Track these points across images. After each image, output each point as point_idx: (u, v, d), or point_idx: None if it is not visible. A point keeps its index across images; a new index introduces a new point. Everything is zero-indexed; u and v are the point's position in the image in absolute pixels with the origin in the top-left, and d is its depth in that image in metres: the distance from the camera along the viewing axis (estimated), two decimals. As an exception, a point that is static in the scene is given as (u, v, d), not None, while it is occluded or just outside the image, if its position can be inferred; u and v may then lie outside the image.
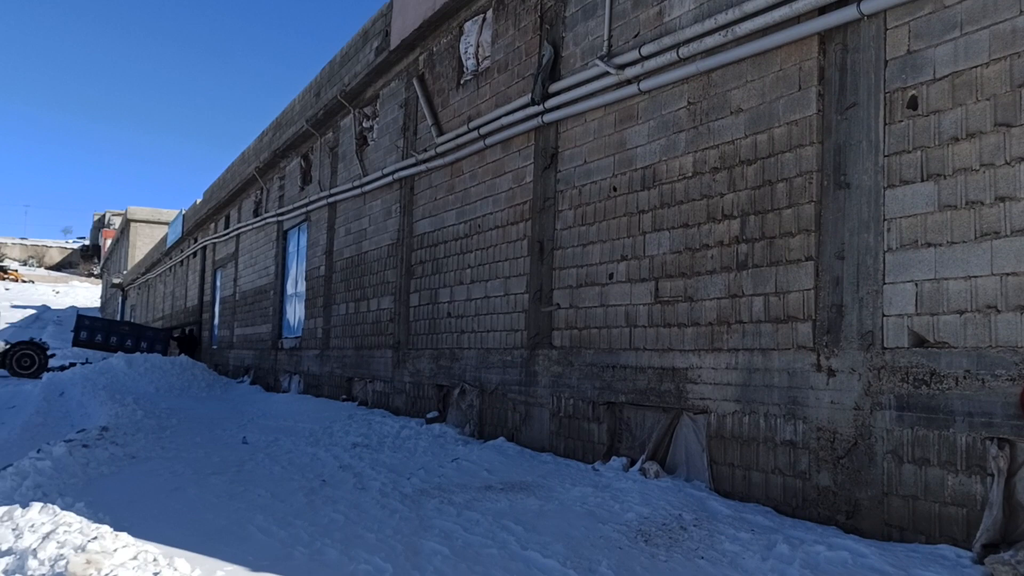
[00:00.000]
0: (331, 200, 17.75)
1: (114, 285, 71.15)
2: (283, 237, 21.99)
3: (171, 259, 41.73)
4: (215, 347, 29.72)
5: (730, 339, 7.10)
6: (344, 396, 16.19)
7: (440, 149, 12.70)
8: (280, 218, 21.86)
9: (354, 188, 16.33)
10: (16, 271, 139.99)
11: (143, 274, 53.59)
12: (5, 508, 5.73)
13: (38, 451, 8.53)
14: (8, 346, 30.81)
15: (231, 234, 27.81)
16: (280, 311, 21.93)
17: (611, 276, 8.75)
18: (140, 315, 52.87)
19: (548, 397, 9.68)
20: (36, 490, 6.71)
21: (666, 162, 8.05)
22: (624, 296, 8.52)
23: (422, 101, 13.41)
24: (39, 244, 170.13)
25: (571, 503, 7.29)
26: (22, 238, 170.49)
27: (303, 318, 19.61)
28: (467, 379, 11.60)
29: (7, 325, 42.99)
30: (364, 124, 16.41)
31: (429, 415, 12.33)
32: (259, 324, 23.74)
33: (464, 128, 11.91)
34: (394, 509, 7.29)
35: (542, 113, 10.03)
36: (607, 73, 8.76)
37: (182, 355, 24.12)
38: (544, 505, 7.26)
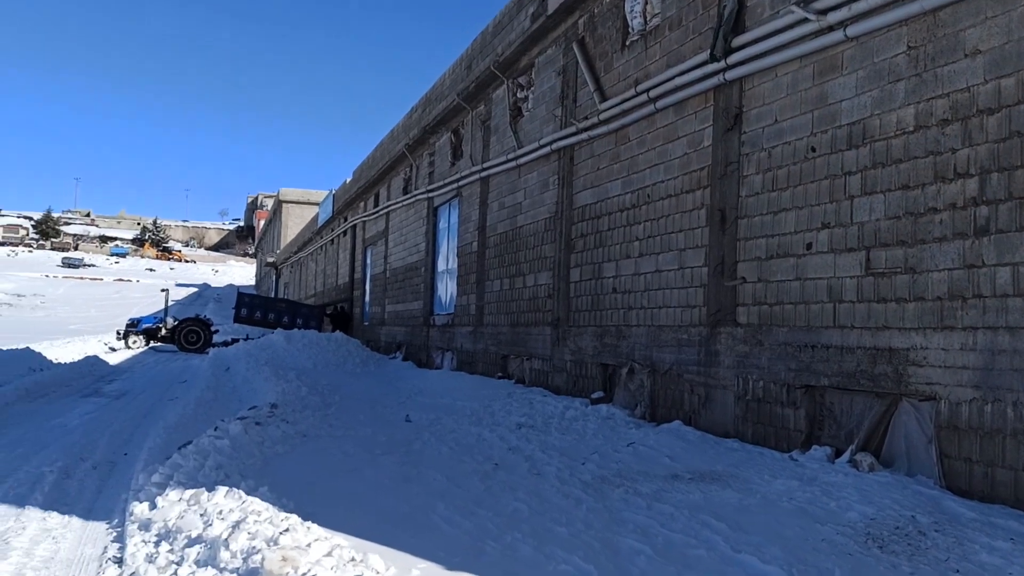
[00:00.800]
0: (483, 174, 17.40)
1: (268, 264, 74.31)
2: (433, 214, 21.90)
3: (322, 238, 42.87)
4: (366, 323, 30.22)
5: (966, 316, 6.17)
6: (500, 374, 15.88)
7: (603, 116, 12.04)
8: (430, 195, 21.77)
9: (508, 161, 15.89)
10: (179, 252, 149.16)
11: (295, 253, 55.51)
12: (192, 491, 5.56)
13: (215, 429, 8.50)
14: (176, 322, 32.40)
15: (381, 212, 28.09)
16: (431, 288, 21.90)
17: (809, 246, 7.90)
18: (293, 292, 54.89)
19: (732, 378, 8.93)
20: (218, 471, 6.56)
21: (879, 116, 7.12)
22: (826, 268, 7.66)
23: (583, 66, 12.77)
24: (199, 226, 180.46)
25: (775, 498, 6.57)
26: (184, 220, 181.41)
27: (455, 295, 19.44)
28: (636, 358, 10.97)
29: (173, 303, 45.46)
30: (518, 94, 15.93)
31: (594, 395, 11.78)
32: (410, 301, 23.84)
33: (631, 92, 11.21)
34: (577, 499, 6.78)
35: (723, 70, 9.21)
36: (805, 20, 7.86)
37: (337, 331, 24.55)
38: (744, 499, 6.57)
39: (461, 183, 18.97)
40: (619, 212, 11.65)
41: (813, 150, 7.93)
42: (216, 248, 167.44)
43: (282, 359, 21.55)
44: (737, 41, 9.01)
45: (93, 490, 7.26)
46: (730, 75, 9.12)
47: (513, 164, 15.61)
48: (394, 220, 26.32)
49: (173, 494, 5.64)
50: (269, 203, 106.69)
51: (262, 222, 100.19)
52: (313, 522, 5.02)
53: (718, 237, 9.30)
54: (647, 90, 10.81)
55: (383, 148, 27.84)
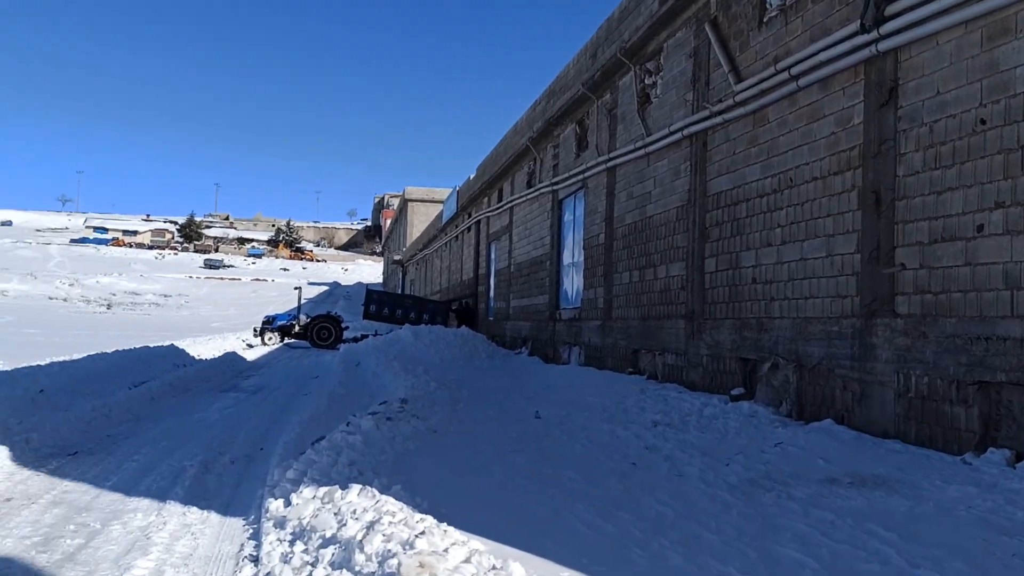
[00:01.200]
0: (610, 164, 16.96)
1: (395, 262, 75.91)
2: (558, 206, 21.60)
3: (446, 235, 43.31)
4: (491, 318, 30.25)
5: None
6: (630, 369, 15.42)
7: (739, 98, 11.42)
8: (554, 187, 21.47)
9: (636, 150, 15.41)
10: (311, 252, 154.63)
11: (420, 250, 56.41)
12: (326, 489, 5.42)
13: (347, 424, 8.45)
14: (309, 319, 33.34)
15: (504, 207, 28.01)
16: (557, 282, 21.61)
17: (980, 228, 7.14)
18: (419, 289, 55.81)
19: (891, 374, 8.21)
20: (351, 468, 6.44)
21: (1067, 79, 6.33)
22: (1000, 252, 6.90)
23: (715, 47, 12.17)
24: (329, 227, 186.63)
25: (950, 505, 5.93)
26: (315, 221, 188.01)
27: (581, 288, 19.08)
28: (779, 352, 10.33)
29: (305, 300, 46.93)
30: (646, 81, 15.41)
31: (733, 392, 11.19)
32: (535, 295, 23.63)
33: (770, 71, 10.56)
34: (725, 502, 6.32)
35: (875, 41, 8.49)
36: (973, -22, 7.11)
37: (462, 327, 24.61)
38: (915, 507, 5.95)
39: (586, 174, 18.58)
40: (758, 198, 11.01)
41: (983, 122, 7.17)
42: (345, 247, 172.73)
43: (410, 354, 21.72)
44: (891, 9, 8.27)
45: (231, 485, 7.30)
46: (883, 46, 8.40)
47: (642, 152, 15.12)
48: (518, 214, 26.18)
49: (307, 491, 5.53)
50: (395, 202, 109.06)
51: (388, 221, 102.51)
52: (448, 524, 4.77)
53: (872, 221, 8.59)
54: (788, 68, 10.14)
55: (506, 143, 27.74)
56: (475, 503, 5.93)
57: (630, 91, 16.11)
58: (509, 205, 27.17)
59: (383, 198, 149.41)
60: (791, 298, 10.12)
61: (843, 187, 9.14)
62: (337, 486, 5.47)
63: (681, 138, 13.41)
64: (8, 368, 14.23)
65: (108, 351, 18.24)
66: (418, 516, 4.66)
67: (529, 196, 24.24)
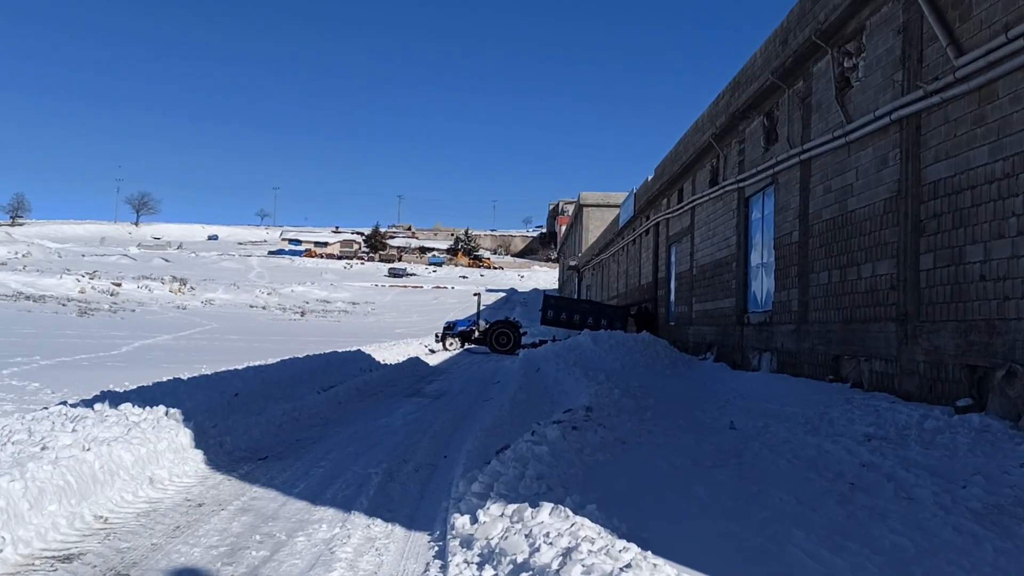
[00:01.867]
0: (803, 157, 15.79)
1: (570, 267, 75.84)
2: (744, 205, 20.47)
3: (623, 239, 42.59)
4: (672, 323, 29.28)
5: None
6: (831, 376, 14.21)
7: (960, 73, 10.16)
8: (740, 184, 20.38)
9: (834, 139, 14.21)
10: (489, 259, 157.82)
11: (596, 255, 55.93)
12: (515, 507, 4.98)
13: (532, 433, 8.03)
14: (488, 325, 33.59)
15: (685, 207, 27.03)
16: (744, 284, 20.47)
17: None
18: (595, 294, 55.33)
19: None
20: (539, 482, 5.99)
21: None
22: None
23: (930, 19, 10.92)
24: (505, 234, 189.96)
25: None
26: (491, 230, 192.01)
27: (772, 290, 17.92)
28: (1017, 358, 9.03)
29: (483, 307, 47.64)
30: (845, 64, 14.19)
31: (960, 403, 9.93)
32: (720, 298, 22.55)
33: (1000, 40, 9.28)
34: (974, 534, 5.39)
35: None
36: None
37: (643, 332, 23.87)
38: None
39: (777, 169, 17.44)
40: (986, 184, 9.72)
41: None
42: (521, 255, 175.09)
43: (590, 360, 21.26)
44: None
45: (415, 495, 7.04)
46: None
47: (841, 142, 13.92)
48: (700, 215, 25.14)
49: (495, 508, 5.11)
50: (569, 209, 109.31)
51: (563, 227, 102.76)
52: (654, 553, 4.20)
53: None
54: (1023, 35, 8.87)
55: (686, 141, 26.76)
56: (679, 528, 5.31)
57: (826, 76, 14.91)
58: (690, 205, 26.17)
59: (558, 204, 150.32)
60: (1032, 297, 8.82)
61: (1100, 166, 7.82)
62: (527, 503, 5.02)
63: (889, 123, 12.18)
64: (209, 372, 14.91)
65: (300, 356, 18.88)
66: (620, 544, 4.12)
67: (712, 195, 23.19)
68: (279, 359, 17.14)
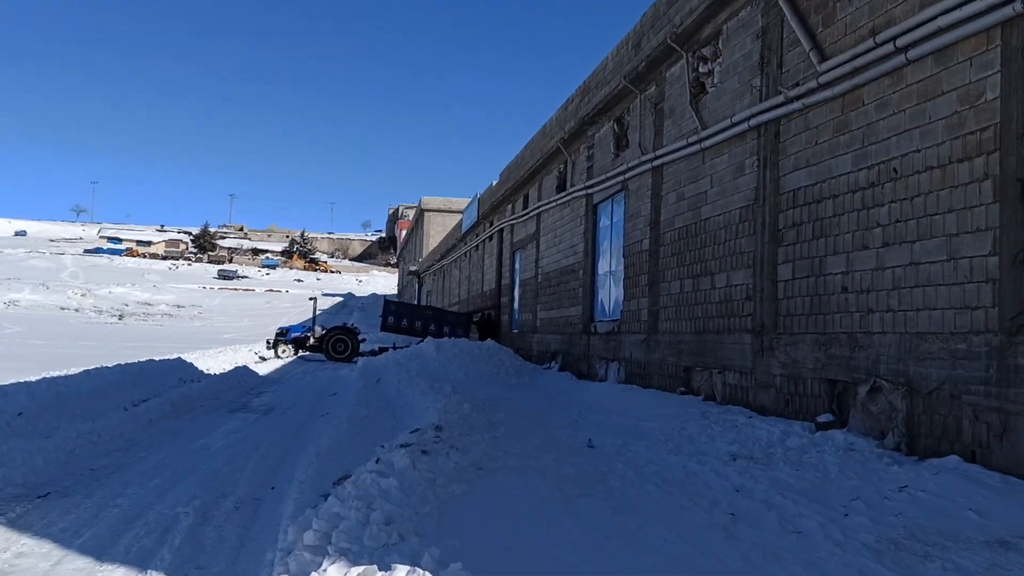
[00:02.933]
0: (656, 163, 15.46)
1: (410, 273, 74.56)
2: (593, 211, 20.09)
3: (466, 244, 41.88)
4: (515, 331, 28.73)
5: None
6: (682, 389, 13.87)
7: (824, 79, 9.91)
8: (589, 191, 19.98)
9: (689, 145, 13.91)
10: (325, 263, 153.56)
11: (438, 261, 55.00)
12: (360, 570, 3.91)
13: (377, 461, 6.94)
14: (324, 331, 31.90)
15: (531, 214, 26.53)
16: (591, 292, 20.07)
17: None
18: (436, 300, 54.31)
19: (1049, 404, 6.65)
20: (388, 528, 4.91)
21: None
22: None
23: (793, 23, 10.66)
24: (343, 238, 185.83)
25: None
26: (329, 233, 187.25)
27: (621, 299, 17.54)
28: (881, 373, 8.77)
29: (320, 312, 45.61)
30: (700, 69, 13.91)
31: (820, 418, 9.62)
32: (566, 307, 22.10)
33: (867, 44, 9.04)
34: (881, 577, 4.79)
35: (1020, -4, 6.97)
36: None
37: (488, 340, 23.10)
38: None
39: (627, 175, 17.08)
40: (848, 194, 9.47)
41: None
42: (359, 259, 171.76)
43: (433, 370, 20.27)
44: (1044, -47, 6.76)
45: (233, 543, 5.80)
46: (1032, 1, 6.88)
47: (696, 148, 13.61)
48: (546, 221, 24.68)
49: (334, 570, 4.03)
50: (410, 213, 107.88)
51: (404, 232, 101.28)
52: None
53: (1015, 216, 7.05)
54: (892, 39, 8.63)
55: (534, 146, 26.28)
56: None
57: (681, 81, 14.62)
58: (536, 211, 25.69)
59: (398, 209, 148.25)
60: (897, 309, 8.56)
61: (971, 177, 7.60)
62: (375, 566, 3.96)
63: (747, 129, 11.90)
64: (-6, 385, 12.80)
65: (109, 365, 16.81)
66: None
67: (560, 201, 22.75)
68: (84, 369, 15.09)
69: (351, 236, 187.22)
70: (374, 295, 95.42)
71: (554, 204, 23.37)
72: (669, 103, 15.22)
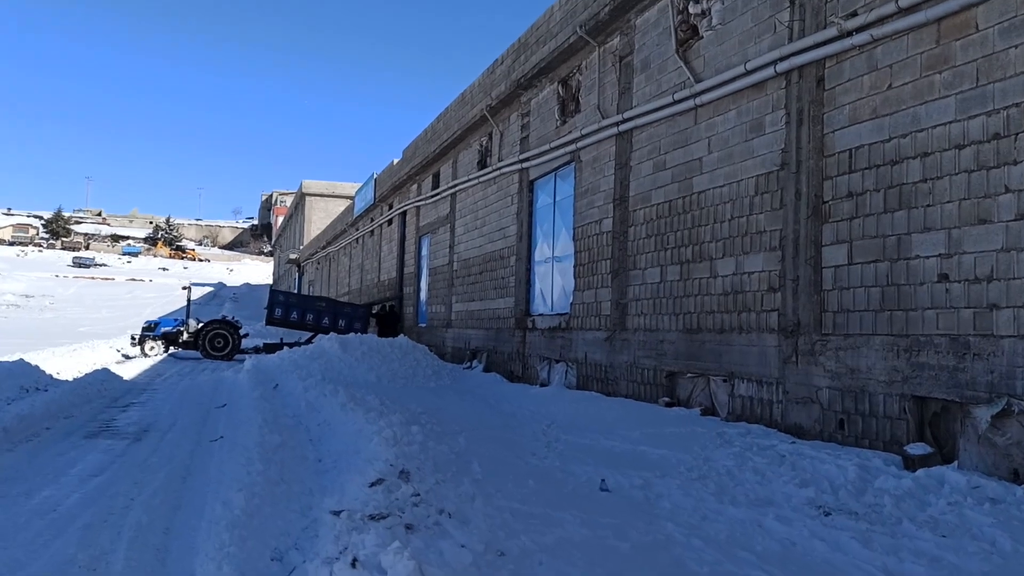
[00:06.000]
0: (623, 128, 12.93)
1: (289, 261, 70.08)
2: (528, 189, 17.41)
3: (358, 229, 38.51)
4: (423, 325, 25.79)
5: None
6: (667, 399, 11.40)
7: (906, 2, 7.56)
8: (524, 165, 17.32)
9: (675, 103, 11.44)
10: (193, 251, 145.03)
11: (323, 248, 51.21)
12: None
13: (354, 563, 4.03)
14: (200, 325, 28.04)
15: (443, 194, 23.64)
16: (527, 281, 17.42)
17: None
18: (320, 291, 50.38)
19: None
20: None
21: None
22: None
23: (850, -66, 8.27)
24: (212, 225, 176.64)
25: None
26: (197, 219, 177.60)
27: (570, 289, 14.96)
28: (1016, 391, 6.47)
29: (189, 303, 41.15)
30: (690, 10, 11.42)
31: (912, 450, 7.25)
32: (492, 298, 19.37)
33: (991, -54, 6.71)
34: None
35: None
36: None
37: (401, 336, 20.11)
38: None
39: (580, 145, 14.50)
40: (953, 150, 7.15)
41: None
42: (230, 247, 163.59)
43: (340, 372, 17.16)
44: None
45: None
46: None
47: (687, 105, 11.15)
48: (464, 202, 21.84)
49: None
50: (287, 200, 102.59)
51: (280, 218, 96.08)
52: None
53: None
54: (1035, -64, 6.32)
55: (448, 117, 23.36)
56: None
57: (659, 28, 12.11)
58: (451, 191, 22.80)
59: (271, 196, 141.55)
60: (1044, 305, 6.28)
61: None
62: None
63: (771, 76, 9.48)
64: None
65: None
66: None
67: (483, 178, 19.97)
68: None
69: (221, 223, 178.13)
70: (247, 285, 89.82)
71: (475, 182, 20.57)
72: (641, 55, 12.69)
